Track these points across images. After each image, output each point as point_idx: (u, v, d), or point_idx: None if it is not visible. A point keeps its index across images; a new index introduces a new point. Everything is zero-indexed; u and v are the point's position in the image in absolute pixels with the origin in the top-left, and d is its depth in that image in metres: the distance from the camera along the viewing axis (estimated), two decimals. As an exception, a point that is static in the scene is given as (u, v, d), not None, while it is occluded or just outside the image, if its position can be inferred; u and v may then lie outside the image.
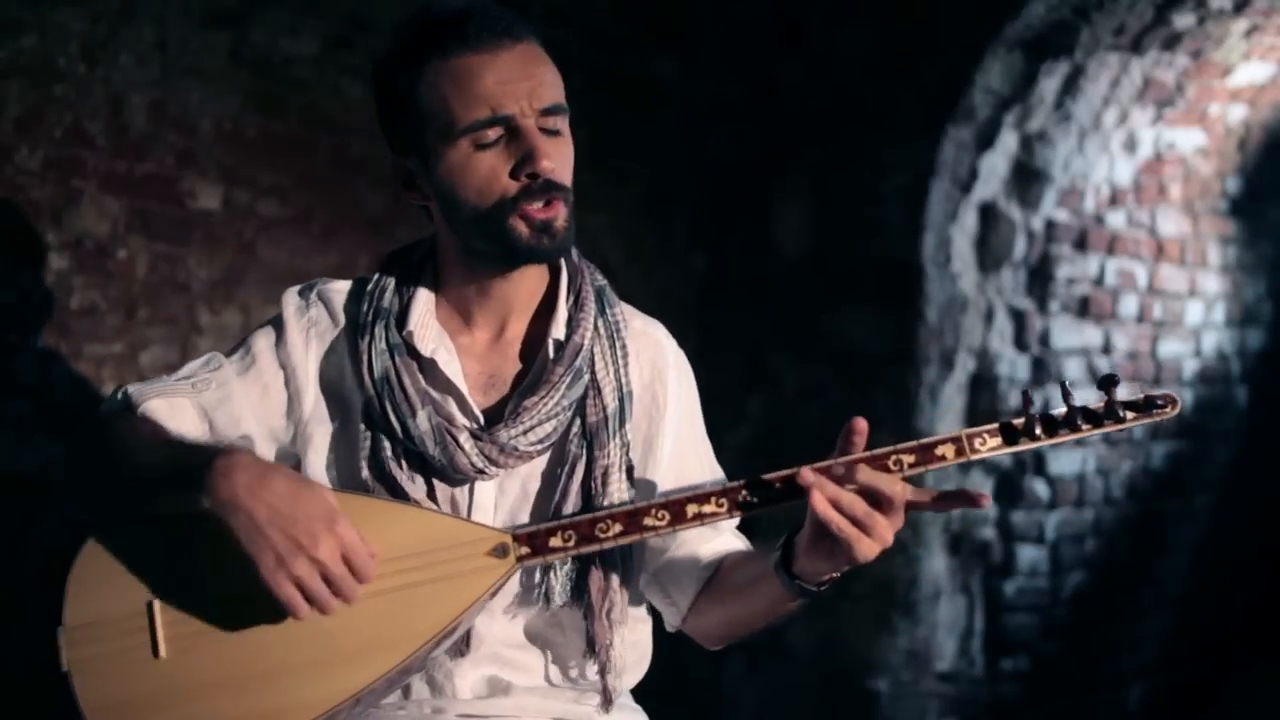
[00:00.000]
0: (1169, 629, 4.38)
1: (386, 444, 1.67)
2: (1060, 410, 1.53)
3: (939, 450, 1.55)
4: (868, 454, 1.56)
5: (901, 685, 3.63)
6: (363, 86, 3.17)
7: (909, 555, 3.59)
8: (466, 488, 1.69)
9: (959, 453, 1.56)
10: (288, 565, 1.48)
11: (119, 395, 1.72)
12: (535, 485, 1.72)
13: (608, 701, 1.72)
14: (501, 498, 1.71)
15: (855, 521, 1.54)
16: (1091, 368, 4.01)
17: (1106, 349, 4.06)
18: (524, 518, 1.71)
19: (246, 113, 2.99)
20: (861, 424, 1.58)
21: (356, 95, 3.17)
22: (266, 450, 1.73)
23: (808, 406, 3.73)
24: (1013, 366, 3.78)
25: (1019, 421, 1.54)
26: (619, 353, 1.75)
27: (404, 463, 1.67)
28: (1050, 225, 3.83)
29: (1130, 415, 1.54)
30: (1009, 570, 3.82)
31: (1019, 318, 3.80)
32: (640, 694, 1.83)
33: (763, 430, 3.76)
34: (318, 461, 1.71)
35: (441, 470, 1.67)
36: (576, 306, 1.74)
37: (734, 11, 3.76)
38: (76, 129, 2.72)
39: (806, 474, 1.57)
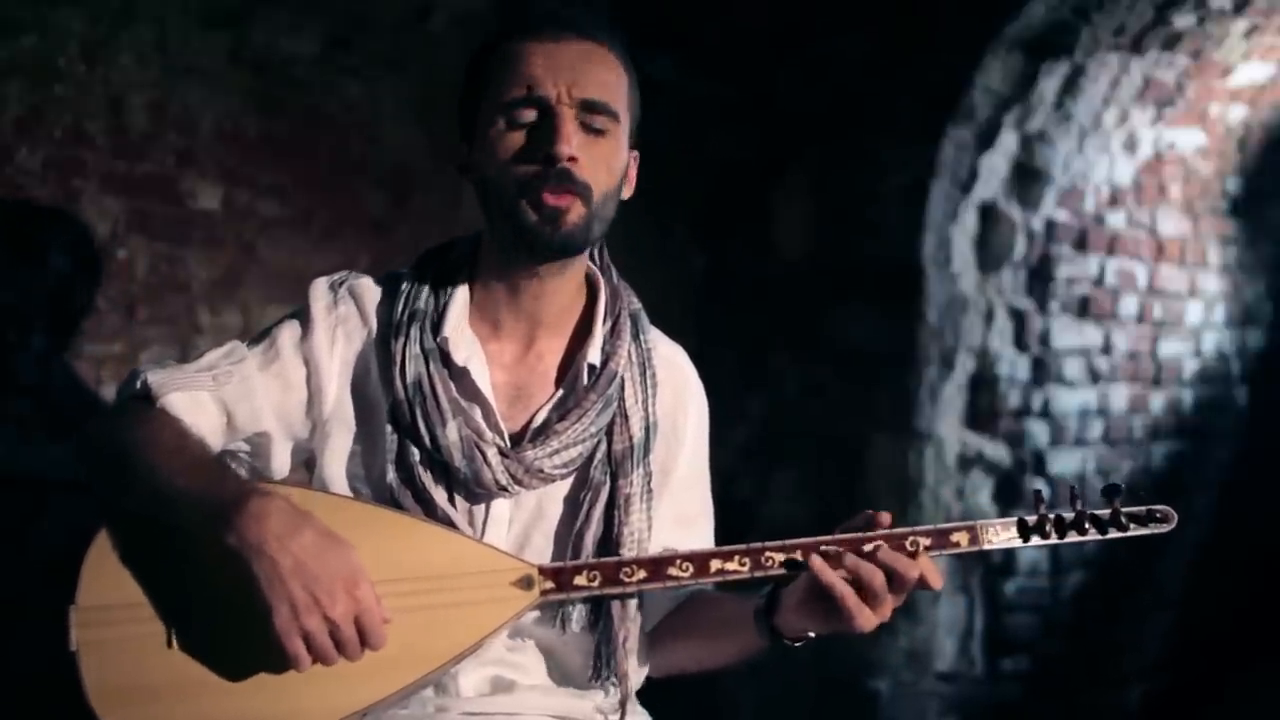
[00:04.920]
0: (1169, 629, 4.38)
1: (414, 449, 1.66)
2: (1070, 514, 1.65)
3: (954, 537, 1.62)
4: (885, 533, 1.61)
5: (901, 685, 3.63)
6: (362, 86, 3.18)
7: (909, 555, 3.59)
8: (485, 501, 1.69)
9: (972, 540, 1.63)
10: (300, 619, 1.47)
11: (138, 383, 1.68)
12: (552, 505, 1.72)
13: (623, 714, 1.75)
14: (517, 512, 1.71)
15: (867, 594, 1.57)
16: (1091, 368, 4.01)
17: (1106, 349, 4.06)
18: (537, 536, 1.71)
19: (246, 113, 2.99)
20: (887, 519, 1.62)
21: (356, 95, 3.17)
22: (283, 446, 1.72)
23: (808, 406, 3.73)
24: (1013, 366, 3.78)
25: (1032, 519, 1.64)
26: (649, 382, 1.75)
27: (429, 470, 1.66)
28: (1050, 225, 3.83)
29: (1133, 526, 1.66)
30: (1009, 570, 3.82)
31: (1019, 318, 3.80)
32: (641, 694, 1.84)
33: (763, 430, 3.76)
34: (335, 461, 1.70)
35: (465, 482, 1.67)
36: (613, 332, 1.73)
37: (733, 12, 3.76)
38: (76, 129, 2.72)
39: (824, 548, 1.60)
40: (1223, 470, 4.49)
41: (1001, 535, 1.63)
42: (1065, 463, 3.94)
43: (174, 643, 1.56)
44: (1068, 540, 1.64)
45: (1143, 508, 1.67)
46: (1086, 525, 1.64)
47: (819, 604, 1.60)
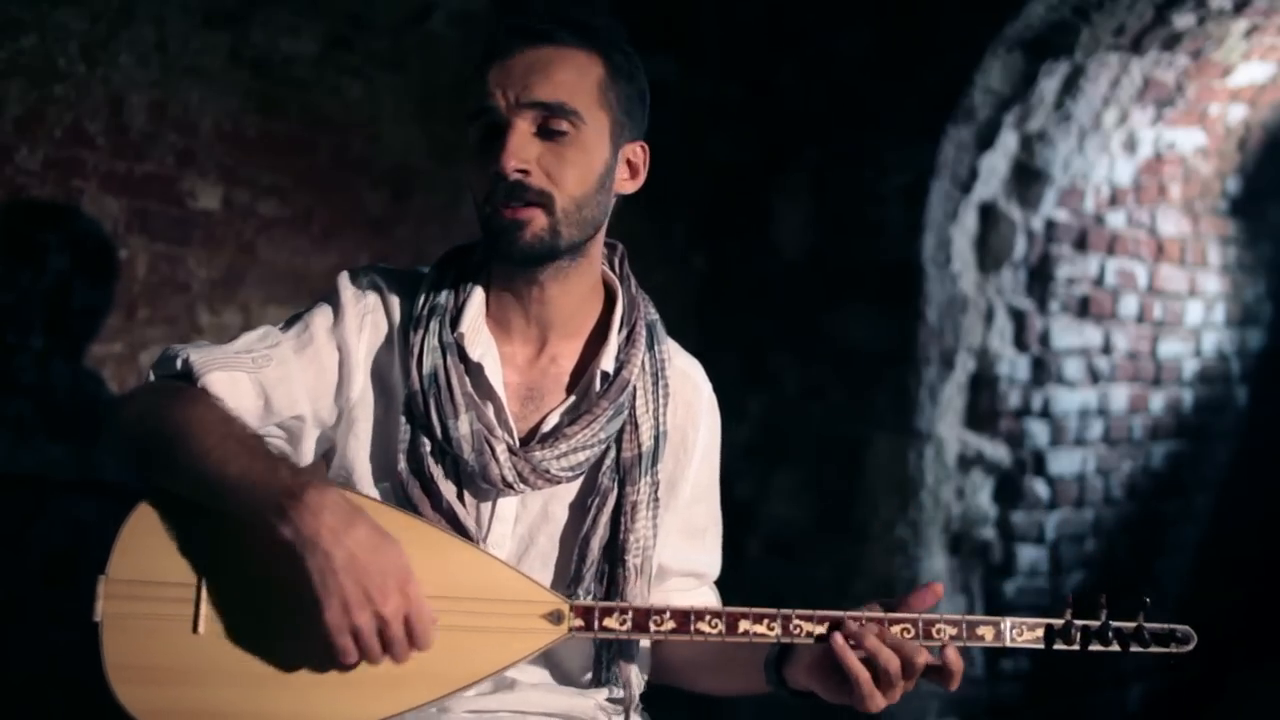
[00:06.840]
0: (1169, 629, 4.37)
1: (425, 441, 1.67)
2: (1095, 623, 1.68)
3: (980, 630, 1.66)
4: (912, 616, 1.63)
5: (901, 685, 3.63)
6: (363, 86, 3.18)
7: (909, 555, 3.59)
8: (491, 498, 1.70)
9: (997, 636, 1.65)
10: (352, 614, 1.47)
11: (178, 362, 1.67)
12: (558, 509, 1.73)
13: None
14: (523, 512, 1.72)
15: (882, 679, 1.59)
16: (1091, 368, 4.01)
17: (1106, 349, 4.06)
18: (542, 538, 1.72)
19: (246, 113, 2.99)
20: (939, 589, 1.65)
21: (356, 95, 3.17)
22: (311, 433, 1.72)
23: (808, 406, 3.73)
24: (1013, 366, 3.78)
25: (1058, 623, 1.67)
26: (660, 393, 1.75)
27: (439, 463, 1.67)
28: (1050, 225, 3.83)
29: (1154, 645, 1.71)
30: (1009, 570, 3.82)
31: (1019, 318, 3.80)
32: (641, 694, 1.84)
33: (763, 430, 3.76)
34: (357, 448, 1.71)
35: (472, 477, 1.67)
36: (629, 341, 1.74)
37: (733, 12, 3.76)
38: (76, 129, 2.72)
39: (850, 623, 1.62)
40: (1222, 470, 4.49)
41: (1026, 635, 1.66)
42: (1065, 463, 3.94)
43: (200, 629, 1.55)
44: (1091, 650, 1.67)
45: (1165, 626, 1.71)
46: (1110, 637, 1.67)
47: (832, 675, 1.62)
